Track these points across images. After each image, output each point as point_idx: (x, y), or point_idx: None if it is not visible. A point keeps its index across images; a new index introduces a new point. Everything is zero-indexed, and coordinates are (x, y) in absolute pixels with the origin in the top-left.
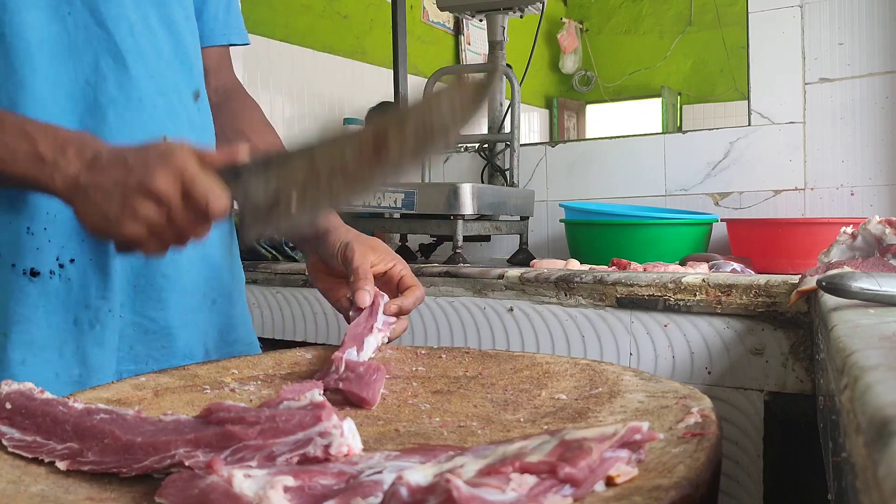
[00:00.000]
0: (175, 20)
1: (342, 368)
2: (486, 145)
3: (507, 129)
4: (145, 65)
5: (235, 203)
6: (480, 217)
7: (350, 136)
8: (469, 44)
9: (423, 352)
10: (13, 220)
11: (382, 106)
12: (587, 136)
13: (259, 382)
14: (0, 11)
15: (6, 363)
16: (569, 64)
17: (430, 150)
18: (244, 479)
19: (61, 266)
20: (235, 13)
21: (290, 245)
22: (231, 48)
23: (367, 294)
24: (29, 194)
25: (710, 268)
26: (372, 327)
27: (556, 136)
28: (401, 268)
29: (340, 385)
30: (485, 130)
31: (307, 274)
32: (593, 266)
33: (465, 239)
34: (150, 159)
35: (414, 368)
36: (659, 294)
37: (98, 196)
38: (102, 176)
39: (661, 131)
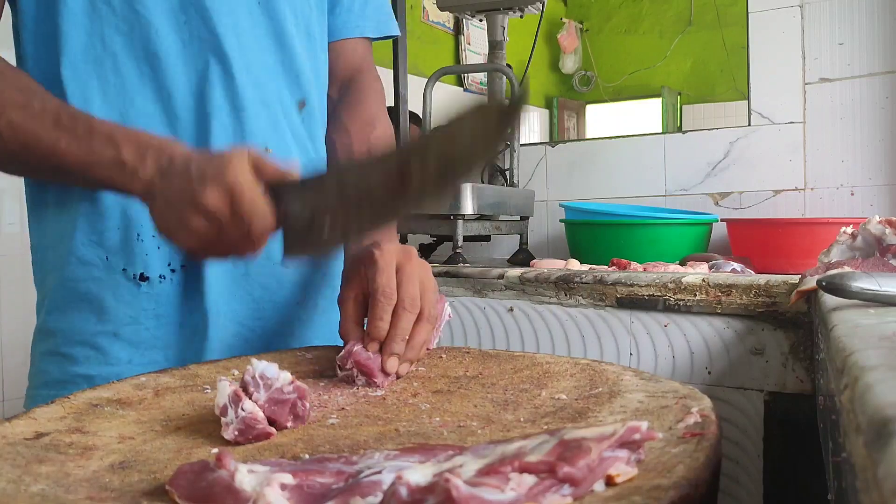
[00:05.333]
0: (285, 29)
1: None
2: None
3: None
4: (250, 74)
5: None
6: (480, 217)
7: (376, 163)
8: (469, 44)
9: (423, 352)
10: (124, 227)
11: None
12: (587, 136)
13: None
14: (136, 23)
15: (114, 360)
16: (569, 64)
17: (453, 181)
18: (247, 475)
19: (173, 271)
20: (376, 5)
21: None
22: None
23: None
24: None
25: (710, 268)
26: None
27: (556, 136)
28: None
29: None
30: None
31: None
32: (593, 266)
33: (465, 239)
34: (206, 172)
35: (414, 368)
36: (659, 294)
37: (163, 204)
38: (169, 184)
39: (661, 131)
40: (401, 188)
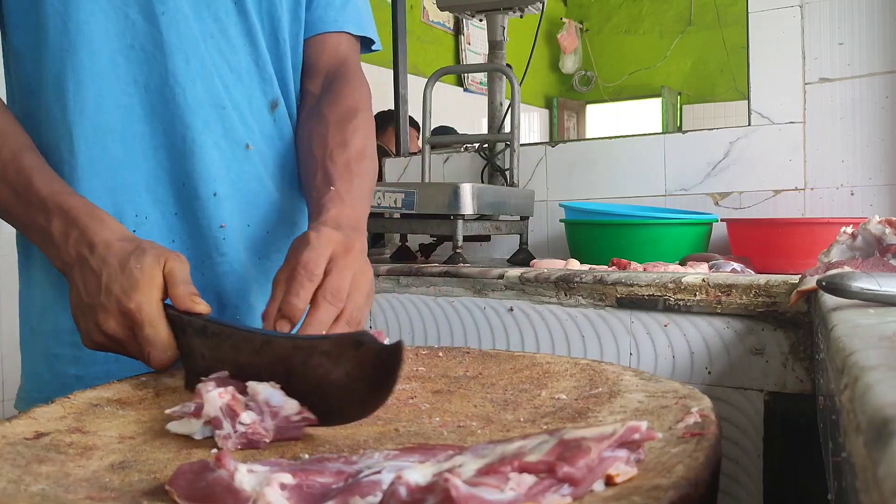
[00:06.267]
0: (256, 31)
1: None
2: (486, 145)
3: (507, 129)
4: (220, 75)
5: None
6: (480, 217)
7: (267, 346)
8: (469, 44)
9: (423, 352)
10: None
11: (383, 114)
12: (587, 136)
13: None
14: (69, 19)
15: (101, 359)
16: (569, 64)
17: (328, 404)
18: (246, 474)
19: None
20: (355, 7)
21: None
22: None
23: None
24: (117, 197)
25: (710, 268)
26: None
27: (556, 136)
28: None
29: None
30: (485, 130)
31: None
32: (593, 266)
33: (465, 239)
34: (112, 291)
35: (414, 368)
36: (659, 294)
37: (77, 297)
38: (83, 282)
39: (661, 131)
40: (286, 382)
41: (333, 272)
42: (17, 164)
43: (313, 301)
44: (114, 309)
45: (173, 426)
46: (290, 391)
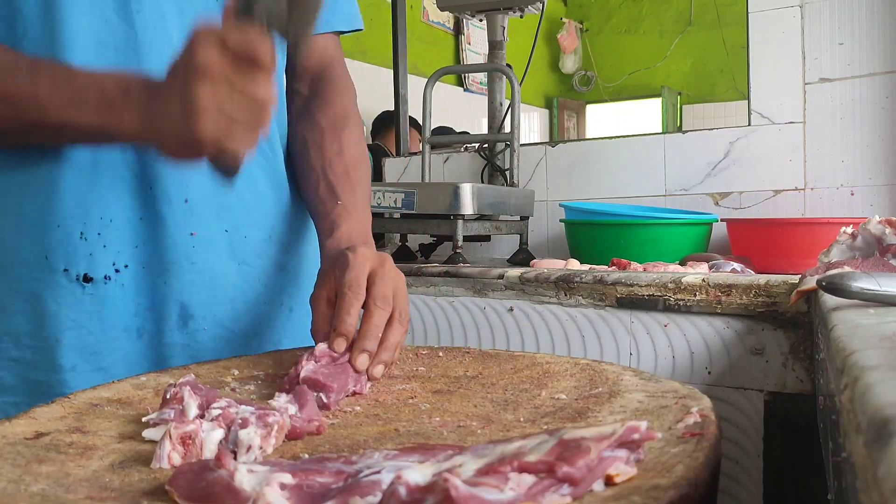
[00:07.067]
0: None
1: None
2: (486, 145)
3: (507, 129)
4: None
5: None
6: (480, 217)
7: None
8: (469, 44)
9: (423, 352)
10: (65, 224)
11: (384, 115)
12: (587, 136)
13: (259, 382)
14: (56, 34)
15: (57, 367)
16: (569, 64)
17: None
18: (246, 474)
19: (117, 271)
20: (344, 1)
21: None
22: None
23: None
24: (84, 197)
25: (710, 268)
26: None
27: (556, 136)
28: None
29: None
30: (485, 130)
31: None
32: (593, 266)
33: (465, 239)
34: (185, 47)
35: (414, 368)
36: (659, 294)
37: (163, 114)
38: (159, 94)
39: (661, 131)
40: None
41: (377, 282)
42: (47, 60)
43: (366, 310)
44: (193, 52)
45: (149, 433)
46: None
